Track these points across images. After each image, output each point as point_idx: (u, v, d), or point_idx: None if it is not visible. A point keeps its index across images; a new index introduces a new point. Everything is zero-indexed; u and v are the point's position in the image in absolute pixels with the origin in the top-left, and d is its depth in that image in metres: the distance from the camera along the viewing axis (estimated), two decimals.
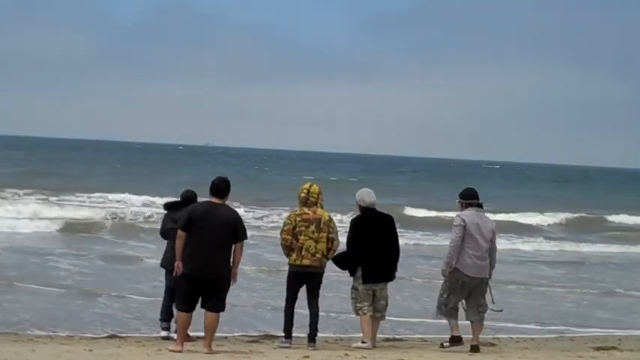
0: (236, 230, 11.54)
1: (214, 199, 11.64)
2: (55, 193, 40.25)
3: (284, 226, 12.52)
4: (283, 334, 12.59)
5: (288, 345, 12.42)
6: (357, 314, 12.83)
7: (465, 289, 12.73)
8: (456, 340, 12.80)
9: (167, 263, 12.89)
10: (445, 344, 12.90)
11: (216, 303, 11.53)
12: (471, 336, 12.83)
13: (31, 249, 23.81)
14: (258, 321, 15.21)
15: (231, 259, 11.59)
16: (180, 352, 11.52)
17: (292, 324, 12.50)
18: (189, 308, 11.58)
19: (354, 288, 12.82)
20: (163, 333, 13.12)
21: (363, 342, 12.74)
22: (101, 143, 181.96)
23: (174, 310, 12.49)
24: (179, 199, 13.37)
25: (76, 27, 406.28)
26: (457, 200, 13.11)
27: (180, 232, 11.55)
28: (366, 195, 12.98)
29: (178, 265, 11.52)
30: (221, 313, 11.62)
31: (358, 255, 12.71)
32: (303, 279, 12.48)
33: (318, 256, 12.42)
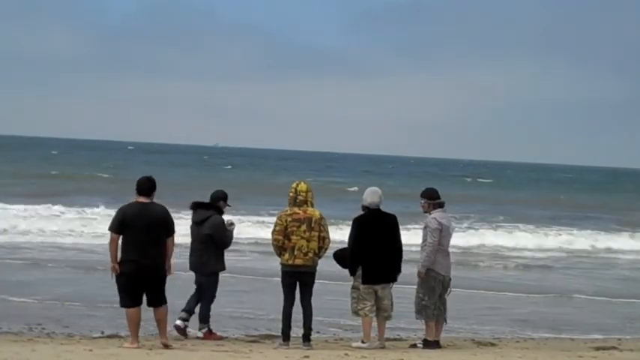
0: (167, 225, 11.92)
1: (142, 199, 11.97)
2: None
3: (275, 226, 12.49)
4: (281, 337, 12.59)
5: (285, 348, 12.39)
6: (357, 315, 12.83)
7: (438, 288, 12.93)
8: (431, 345, 12.85)
9: (192, 265, 13.43)
10: (419, 345, 12.99)
11: (159, 298, 11.96)
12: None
13: None
14: (258, 321, 15.20)
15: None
16: (137, 347, 11.75)
17: (290, 327, 12.46)
18: (136, 303, 11.90)
19: (354, 287, 12.82)
20: (178, 321, 13.18)
21: (362, 342, 12.75)
22: (108, 144, 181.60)
23: (197, 308, 13.16)
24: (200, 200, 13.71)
25: (66, 26, 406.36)
26: (422, 201, 13.15)
27: (113, 235, 11.86)
28: (369, 194, 12.98)
29: (114, 267, 11.82)
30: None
31: (358, 254, 12.72)
32: (296, 278, 12.47)
33: (310, 255, 12.40)
